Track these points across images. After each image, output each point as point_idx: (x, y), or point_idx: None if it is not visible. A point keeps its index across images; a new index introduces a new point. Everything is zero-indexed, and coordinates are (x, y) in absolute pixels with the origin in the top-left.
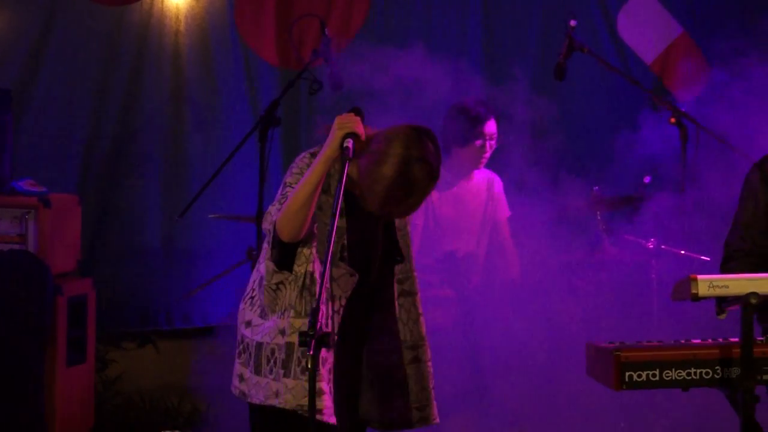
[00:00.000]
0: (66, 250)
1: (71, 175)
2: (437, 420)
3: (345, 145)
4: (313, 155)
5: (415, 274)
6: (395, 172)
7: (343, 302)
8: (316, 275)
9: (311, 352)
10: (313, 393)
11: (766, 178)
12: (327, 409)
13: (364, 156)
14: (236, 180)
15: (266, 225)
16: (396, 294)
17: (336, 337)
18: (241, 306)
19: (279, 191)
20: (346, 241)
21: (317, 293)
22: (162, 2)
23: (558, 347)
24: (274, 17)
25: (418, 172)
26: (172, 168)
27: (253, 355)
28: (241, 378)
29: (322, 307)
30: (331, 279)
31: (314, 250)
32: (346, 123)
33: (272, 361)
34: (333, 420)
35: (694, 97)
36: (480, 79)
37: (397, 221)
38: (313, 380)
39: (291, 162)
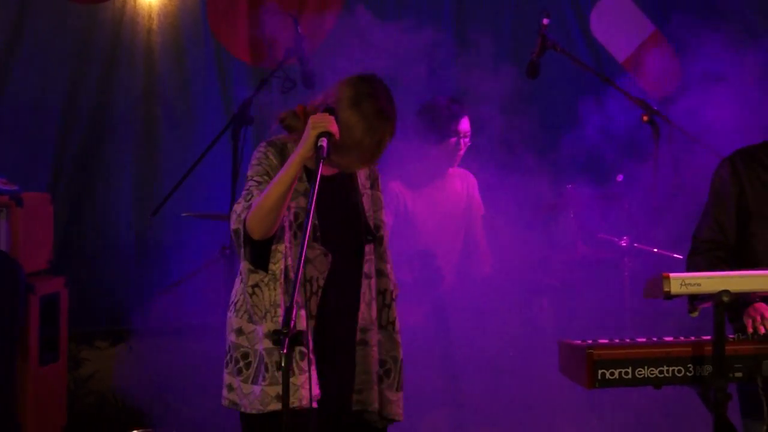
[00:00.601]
0: (38, 248)
1: (43, 174)
2: (376, 405)
3: (319, 144)
4: (271, 144)
5: (373, 257)
6: (347, 112)
7: (321, 283)
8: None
9: (285, 351)
10: (287, 392)
11: (737, 172)
12: (308, 386)
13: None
14: (209, 178)
15: (234, 225)
16: (363, 274)
17: (314, 322)
18: (228, 314)
19: (242, 188)
20: (317, 222)
21: (291, 290)
22: (135, 0)
23: (531, 345)
24: (246, 15)
25: (369, 108)
26: (144, 166)
27: (244, 363)
28: (230, 388)
29: (296, 305)
30: (307, 261)
31: (288, 244)
32: (320, 122)
33: (263, 366)
34: (316, 393)
35: (667, 94)
36: (454, 78)
37: (366, 202)
38: (286, 380)
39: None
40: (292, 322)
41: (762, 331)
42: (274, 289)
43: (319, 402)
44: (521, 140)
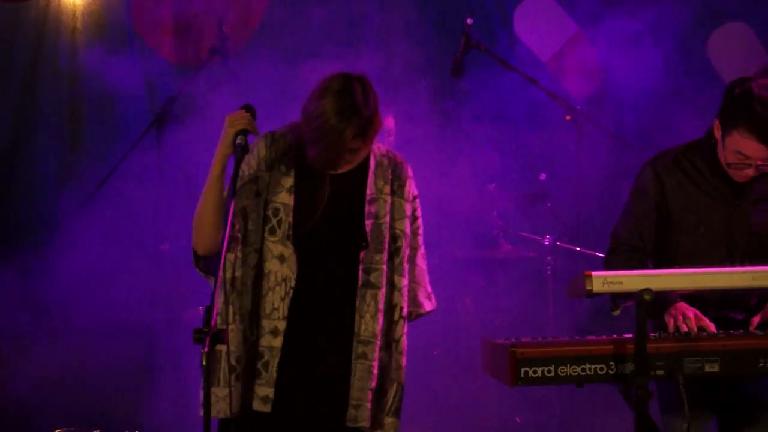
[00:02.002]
0: None
1: None
2: (368, 423)
3: (237, 142)
4: (263, 137)
5: (385, 267)
6: (312, 104)
7: (293, 284)
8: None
9: (206, 350)
10: (209, 392)
11: (658, 176)
12: (231, 400)
13: None
14: (134, 176)
15: None
16: (360, 283)
17: (285, 323)
18: None
19: None
20: (292, 220)
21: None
22: (59, 0)
23: (455, 344)
24: (171, 15)
25: (328, 104)
26: (69, 164)
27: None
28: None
29: (217, 303)
30: (282, 259)
31: (239, 254)
32: (237, 120)
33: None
34: (234, 411)
35: (589, 94)
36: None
37: (373, 208)
38: (208, 378)
39: (188, 158)
40: (213, 321)
41: (684, 329)
42: (220, 296)
43: (309, 413)
44: (444, 141)
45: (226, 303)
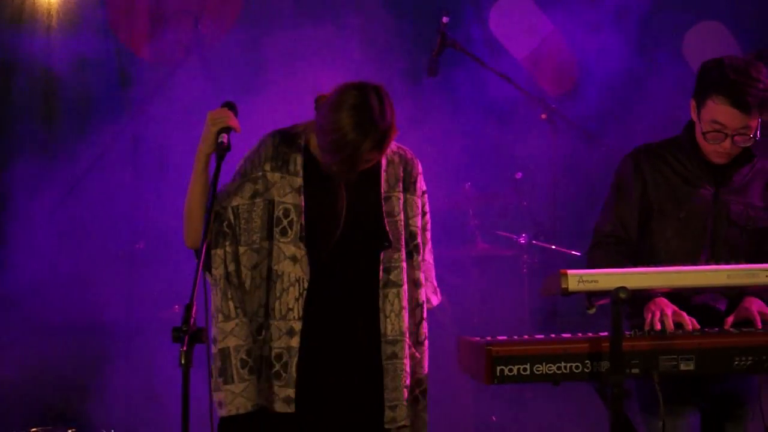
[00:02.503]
0: None
1: None
2: (407, 422)
3: (220, 140)
4: (271, 134)
5: (404, 265)
6: (327, 116)
7: (306, 285)
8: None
9: (185, 348)
10: (187, 390)
11: (640, 169)
12: (247, 394)
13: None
14: (109, 176)
15: None
16: (381, 283)
17: (301, 324)
18: None
19: None
20: (303, 221)
21: (192, 287)
22: None
23: (431, 342)
24: (147, 13)
25: (345, 119)
26: (44, 162)
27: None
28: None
29: (195, 302)
30: (294, 260)
31: (228, 249)
32: (219, 118)
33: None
34: (291, 408)
35: (566, 92)
36: (354, 75)
37: (387, 206)
38: (186, 377)
39: (163, 156)
40: (192, 319)
41: (658, 327)
42: (216, 294)
43: (339, 417)
44: (419, 139)
45: (225, 299)
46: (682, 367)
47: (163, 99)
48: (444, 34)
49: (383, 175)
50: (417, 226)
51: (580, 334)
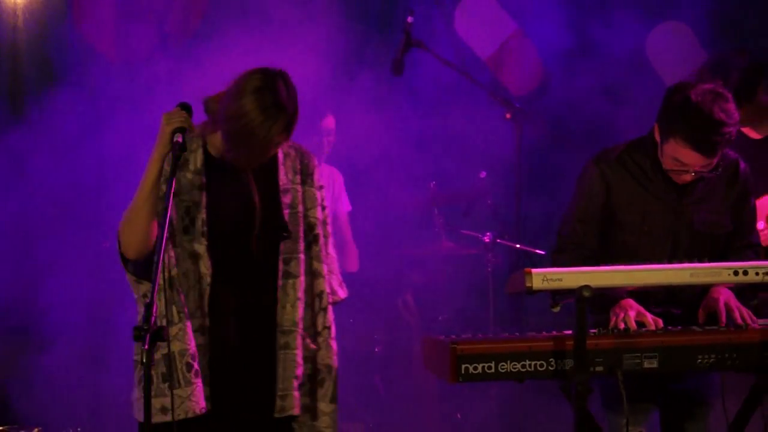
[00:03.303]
0: None
1: None
2: (297, 411)
3: (175, 140)
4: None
5: (302, 256)
6: (234, 104)
7: (209, 281)
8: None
9: (146, 347)
10: (149, 390)
11: (603, 175)
12: (195, 398)
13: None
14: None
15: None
16: (280, 273)
17: (207, 320)
18: None
19: None
20: (205, 216)
21: (152, 286)
22: None
23: (397, 340)
24: (113, 14)
25: (251, 103)
26: (10, 167)
27: (135, 372)
28: (137, 397)
29: (157, 301)
30: (197, 257)
31: (172, 253)
32: (174, 118)
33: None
34: (202, 406)
35: (529, 92)
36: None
37: (287, 198)
38: (148, 376)
39: (131, 158)
40: (154, 319)
41: (621, 326)
42: (161, 300)
43: (241, 409)
44: (385, 139)
45: (168, 304)
46: (646, 365)
47: (130, 99)
48: (409, 33)
49: (281, 168)
50: (316, 218)
51: (544, 333)
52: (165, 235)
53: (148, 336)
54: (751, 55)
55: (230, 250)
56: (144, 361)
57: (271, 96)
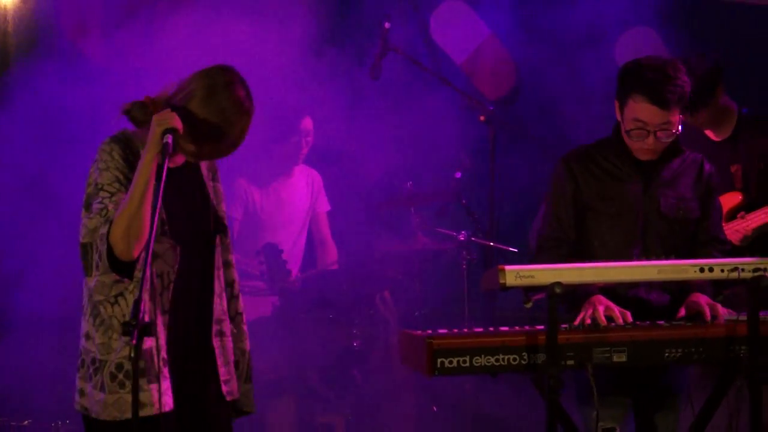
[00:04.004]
0: None
1: None
2: (237, 395)
3: (165, 140)
4: (115, 141)
5: (219, 248)
6: (204, 103)
7: (172, 277)
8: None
9: (134, 342)
10: (137, 385)
11: (571, 170)
12: (165, 397)
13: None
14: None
15: (84, 239)
16: (215, 265)
17: (167, 317)
18: (82, 317)
19: (92, 199)
20: (165, 215)
21: (140, 284)
22: None
23: (374, 336)
24: (101, 17)
25: (226, 99)
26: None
27: (96, 370)
28: (82, 393)
29: (145, 297)
30: (156, 256)
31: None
32: (164, 119)
33: (122, 374)
34: (170, 406)
35: (503, 95)
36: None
37: (211, 194)
38: (136, 372)
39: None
40: (141, 314)
41: (587, 322)
42: (147, 293)
43: (188, 399)
44: (362, 140)
45: (153, 299)
46: (615, 358)
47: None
48: (386, 38)
49: (202, 165)
50: (224, 211)
51: (517, 328)
52: (153, 232)
53: (136, 331)
54: (711, 59)
55: (187, 247)
56: (132, 355)
57: (243, 89)
